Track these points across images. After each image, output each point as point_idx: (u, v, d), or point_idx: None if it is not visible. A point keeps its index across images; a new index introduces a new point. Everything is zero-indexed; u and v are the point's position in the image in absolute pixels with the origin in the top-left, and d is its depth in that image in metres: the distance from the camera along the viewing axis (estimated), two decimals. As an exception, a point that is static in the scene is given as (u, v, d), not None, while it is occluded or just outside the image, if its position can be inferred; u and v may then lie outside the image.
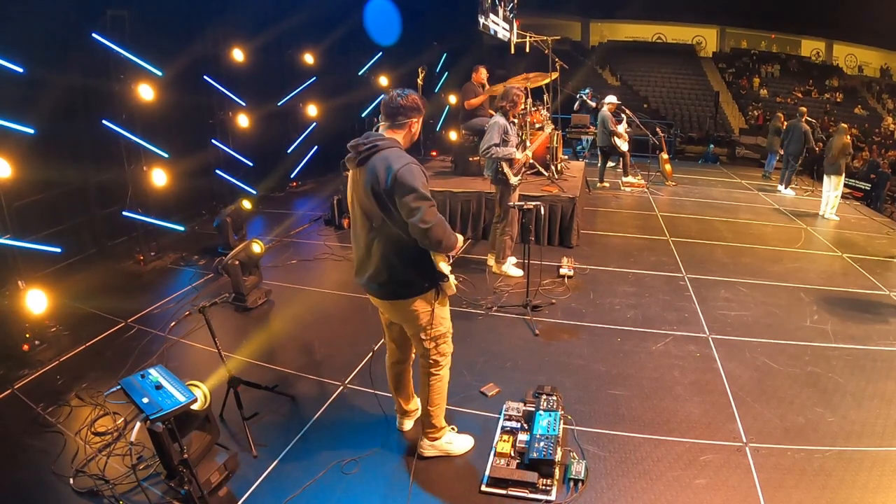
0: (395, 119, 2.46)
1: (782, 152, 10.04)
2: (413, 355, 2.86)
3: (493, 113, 4.90)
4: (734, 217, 7.77)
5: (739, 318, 4.48)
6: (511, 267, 5.20)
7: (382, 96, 2.55)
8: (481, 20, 8.71)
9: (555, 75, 7.28)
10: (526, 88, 6.78)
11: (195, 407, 2.47)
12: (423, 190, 2.29)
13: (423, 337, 2.59)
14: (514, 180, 4.82)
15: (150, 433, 2.23)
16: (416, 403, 3.03)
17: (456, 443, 2.85)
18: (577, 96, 11.12)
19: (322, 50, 8.20)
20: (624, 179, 9.21)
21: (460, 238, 2.52)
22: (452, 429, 2.90)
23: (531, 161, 6.53)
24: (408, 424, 3.01)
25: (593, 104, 10.83)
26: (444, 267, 2.50)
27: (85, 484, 2.63)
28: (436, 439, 2.79)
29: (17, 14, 4.39)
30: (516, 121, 5.17)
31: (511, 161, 4.75)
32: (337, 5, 8.14)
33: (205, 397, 2.59)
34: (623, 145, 8.89)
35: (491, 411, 3.18)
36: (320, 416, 3.18)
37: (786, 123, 10.55)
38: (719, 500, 2.58)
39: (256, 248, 4.57)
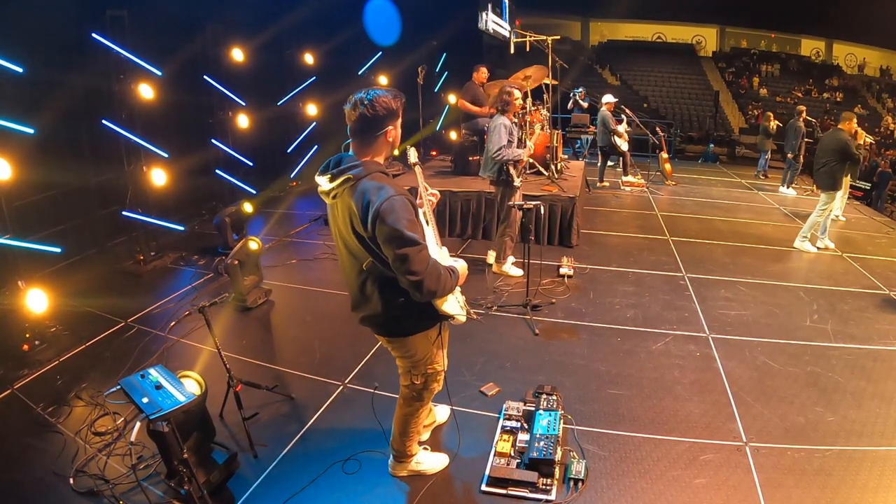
0: (365, 135, 2.05)
1: (778, 152, 10.07)
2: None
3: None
4: (734, 216, 7.77)
5: (739, 317, 4.48)
6: (511, 266, 5.20)
7: (345, 105, 2.06)
8: (481, 21, 8.74)
9: (554, 82, 7.27)
10: (526, 88, 6.80)
11: (196, 393, 2.48)
12: (410, 231, 1.94)
13: (415, 372, 2.42)
14: (518, 182, 4.80)
15: (154, 433, 2.23)
16: (432, 416, 2.98)
17: (427, 462, 2.70)
18: (570, 95, 11.12)
19: (322, 50, 8.20)
20: (624, 179, 9.21)
21: (461, 267, 2.25)
22: (426, 448, 2.78)
23: (531, 161, 6.55)
24: (425, 435, 2.92)
25: (585, 104, 10.82)
26: (450, 307, 2.24)
27: (85, 484, 2.63)
28: (405, 463, 2.68)
29: (18, 14, 4.39)
30: (516, 120, 5.17)
31: (517, 162, 4.74)
32: (337, 5, 8.14)
33: (199, 385, 2.60)
34: (623, 145, 8.89)
35: (491, 411, 3.18)
36: (320, 416, 3.17)
37: (775, 123, 10.58)
38: (719, 499, 2.58)
39: (253, 245, 4.57)
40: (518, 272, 5.15)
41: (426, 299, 2.07)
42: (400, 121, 2.12)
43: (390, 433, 2.67)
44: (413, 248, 1.95)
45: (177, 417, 2.27)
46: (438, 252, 2.28)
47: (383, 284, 2.15)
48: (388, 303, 2.18)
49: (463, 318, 2.32)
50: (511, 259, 5.25)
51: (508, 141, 4.64)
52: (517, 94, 4.73)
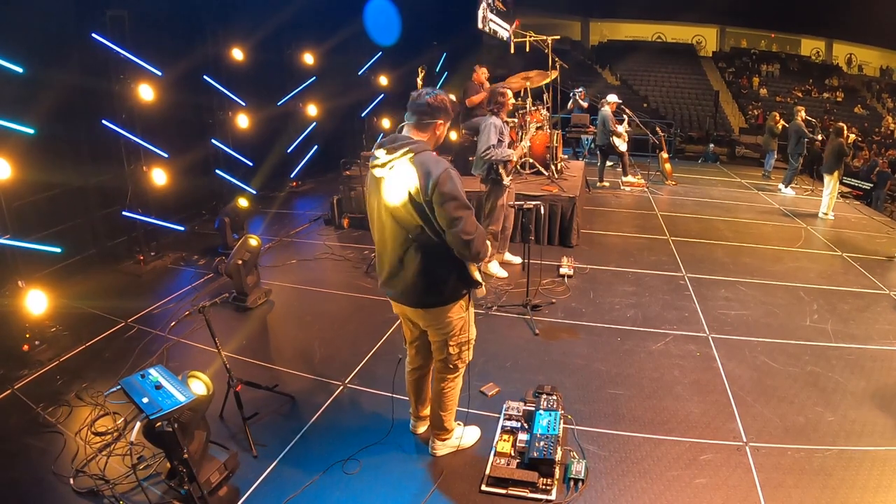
0: (421, 118, 2.33)
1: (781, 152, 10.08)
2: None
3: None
4: (734, 216, 7.77)
5: (739, 317, 4.48)
6: (496, 267, 5.14)
7: (411, 93, 2.41)
8: (480, 21, 8.75)
9: (554, 74, 7.27)
10: (526, 88, 6.79)
11: (203, 394, 2.48)
12: (464, 198, 2.22)
13: (451, 343, 2.55)
14: (507, 181, 4.78)
15: (158, 434, 2.23)
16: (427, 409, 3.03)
17: (465, 437, 2.89)
18: (570, 95, 11.10)
19: (322, 50, 8.19)
20: (624, 179, 9.20)
21: (490, 246, 2.50)
22: (459, 424, 2.91)
23: (532, 161, 6.55)
24: (422, 428, 3.00)
25: (585, 104, 10.80)
26: (478, 275, 2.48)
27: (85, 484, 2.63)
28: (446, 439, 2.83)
29: (17, 14, 4.39)
30: (515, 120, 5.14)
31: (507, 162, 4.71)
32: (336, 5, 8.14)
33: (207, 387, 2.59)
34: (622, 145, 8.87)
35: (491, 411, 3.18)
36: (320, 416, 3.18)
37: (781, 123, 10.58)
38: (719, 499, 2.58)
39: (253, 241, 4.55)
40: (502, 273, 5.12)
41: (471, 259, 2.33)
42: (449, 123, 2.41)
43: (395, 427, 2.74)
44: (467, 211, 2.23)
45: (184, 416, 2.27)
46: None
47: (424, 254, 2.33)
48: (425, 273, 2.35)
49: (483, 291, 2.55)
50: (497, 261, 5.20)
51: (499, 141, 4.61)
52: (510, 94, 4.72)
